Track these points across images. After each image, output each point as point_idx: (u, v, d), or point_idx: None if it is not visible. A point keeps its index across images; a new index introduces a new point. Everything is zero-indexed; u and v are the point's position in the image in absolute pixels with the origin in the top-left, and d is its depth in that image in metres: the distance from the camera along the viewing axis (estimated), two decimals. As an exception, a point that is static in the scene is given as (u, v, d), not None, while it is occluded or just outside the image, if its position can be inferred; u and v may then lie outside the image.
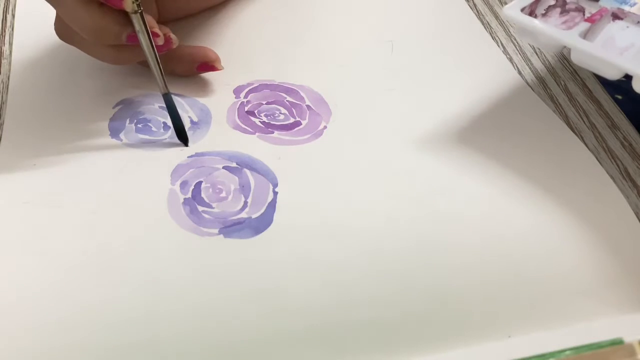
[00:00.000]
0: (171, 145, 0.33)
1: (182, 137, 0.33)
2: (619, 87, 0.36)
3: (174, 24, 0.40)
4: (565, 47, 0.30)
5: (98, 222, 0.30)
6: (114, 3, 0.30)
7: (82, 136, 0.34)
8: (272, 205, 0.31)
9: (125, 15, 0.31)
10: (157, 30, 0.32)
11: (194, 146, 0.33)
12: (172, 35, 0.33)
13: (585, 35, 0.30)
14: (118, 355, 0.26)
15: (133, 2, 0.30)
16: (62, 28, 0.33)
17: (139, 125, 0.34)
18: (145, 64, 0.34)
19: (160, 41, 0.32)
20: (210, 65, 0.36)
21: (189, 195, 0.31)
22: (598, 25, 0.31)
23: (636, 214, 0.31)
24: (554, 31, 0.30)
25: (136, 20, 0.31)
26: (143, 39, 0.31)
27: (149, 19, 0.32)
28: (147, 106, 0.35)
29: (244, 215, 0.30)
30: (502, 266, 0.29)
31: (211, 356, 0.26)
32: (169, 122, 0.34)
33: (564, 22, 0.31)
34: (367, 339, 0.27)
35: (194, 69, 0.36)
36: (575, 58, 0.30)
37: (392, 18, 0.42)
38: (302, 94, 0.37)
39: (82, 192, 0.31)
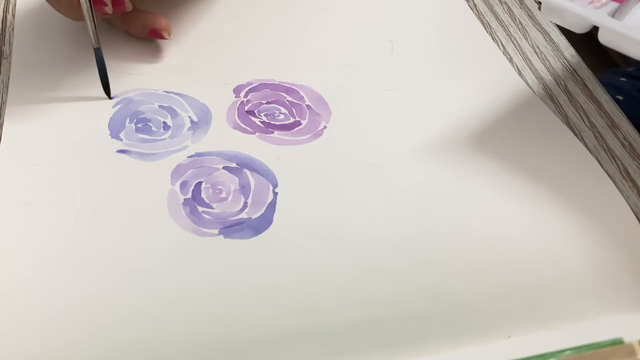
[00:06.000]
0: (171, 145, 0.33)
1: (106, 89, 0.36)
2: (620, 88, 0.36)
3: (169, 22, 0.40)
4: (592, 26, 0.29)
5: (98, 222, 0.30)
6: None
7: (82, 136, 0.34)
8: (272, 206, 0.31)
9: None
10: None
11: (194, 146, 0.33)
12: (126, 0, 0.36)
13: (613, 14, 0.30)
14: (118, 355, 0.26)
15: None
16: None
17: (139, 125, 0.34)
18: (108, 20, 0.38)
19: (109, 10, 0.35)
20: (158, 32, 0.38)
21: (189, 195, 0.31)
22: (626, 5, 0.30)
23: (636, 214, 0.31)
24: (582, 10, 0.30)
25: None
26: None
27: None
28: (147, 106, 0.35)
29: (244, 215, 0.30)
30: (502, 266, 0.29)
31: (211, 356, 0.26)
32: (169, 122, 0.34)
33: (591, 2, 0.31)
34: (367, 339, 0.27)
35: (146, 33, 0.38)
36: (603, 38, 0.29)
37: (392, 18, 0.42)
38: (302, 93, 0.37)
39: (81, 192, 0.31)
